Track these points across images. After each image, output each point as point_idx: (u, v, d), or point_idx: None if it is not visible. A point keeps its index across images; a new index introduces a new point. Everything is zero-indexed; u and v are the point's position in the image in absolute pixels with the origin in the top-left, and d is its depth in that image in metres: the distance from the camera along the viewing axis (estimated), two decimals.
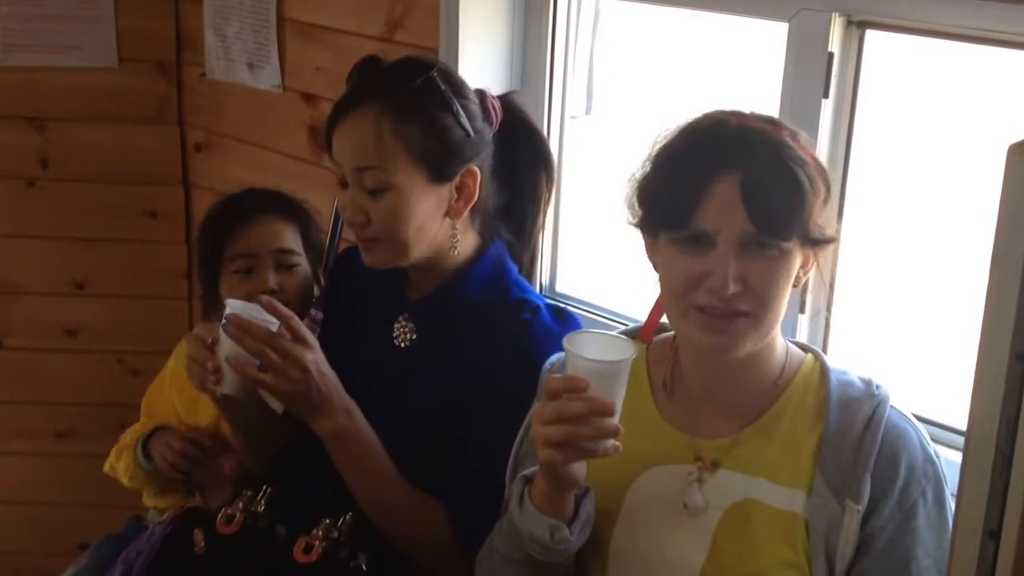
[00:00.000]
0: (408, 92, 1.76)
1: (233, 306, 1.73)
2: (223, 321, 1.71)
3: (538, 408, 1.46)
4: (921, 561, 1.42)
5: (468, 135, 1.78)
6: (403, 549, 1.79)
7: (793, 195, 1.40)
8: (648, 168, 1.49)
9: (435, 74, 1.78)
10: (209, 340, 1.73)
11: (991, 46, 1.69)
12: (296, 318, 1.72)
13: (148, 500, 2.40)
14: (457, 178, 1.79)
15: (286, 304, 2.01)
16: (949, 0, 1.67)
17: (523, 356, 1.75)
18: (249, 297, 2.03)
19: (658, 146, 1.49)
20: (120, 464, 2.30)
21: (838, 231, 1.50)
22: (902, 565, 1.42)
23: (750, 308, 1.42)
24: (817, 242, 1.45)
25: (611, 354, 1.42)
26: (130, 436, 2.30)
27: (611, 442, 1.39)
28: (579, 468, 1.44)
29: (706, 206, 1.40)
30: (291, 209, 2.21)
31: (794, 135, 1.46)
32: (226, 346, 1.71)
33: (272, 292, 2.04)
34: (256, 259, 2.11)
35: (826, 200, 1.46)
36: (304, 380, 1.70)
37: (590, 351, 1.42)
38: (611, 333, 1.56)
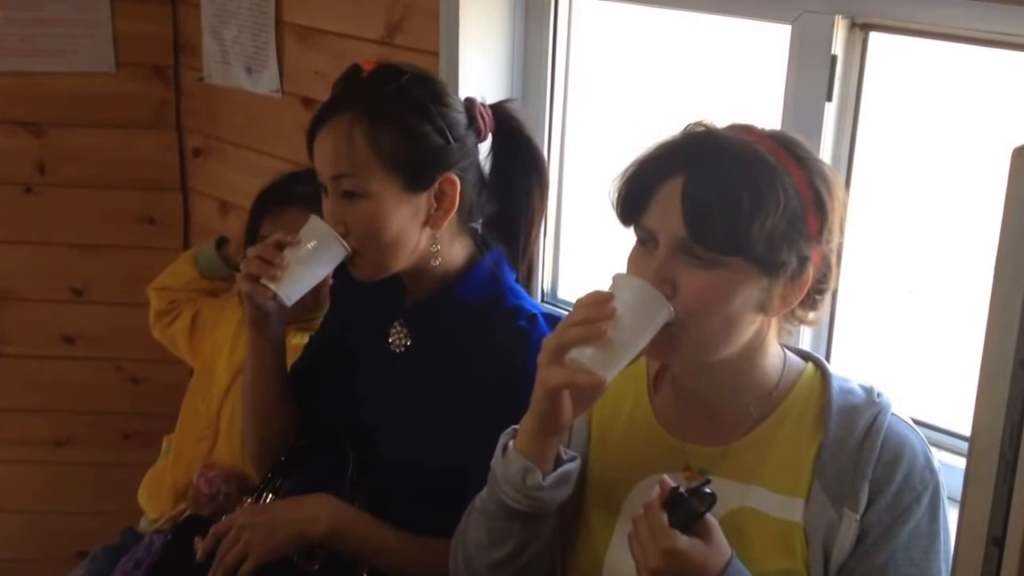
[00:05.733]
0: (381, 99, 1.73)
1: (314, 221, 1.77)
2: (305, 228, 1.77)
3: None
4: (903, 568, 1.40)
5: (447, 142, 1.75)
6: None
7: (731, 208, 1.35)
8: (627, 165, 1.49)
9: (408, 80, 1.75)
10: (287, 239, 1.77)
11: (996, 48, 1.68)
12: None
13: (145, 503, 2.40)
14: (435, 186, 1.76)
15: (318, 294, 2.02)
16: (953, 2, 1.66)
17: (521, 365, 1.72)
18: None
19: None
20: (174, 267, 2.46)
21: (810, 262, 1.41)
22: (880, 569, 1.40)
23: (678, 316, 1.38)
24: (769, 267, 1.39)
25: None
26: None
27: (593, 371, 1.35)
28: (565, 409, 1.43)
29: (652, 206, 1.42)
30: None
31: (791, 156, 1.41)
32: (301, 250, 1.75)
33: None
34: None
35: (817, 232, 1.40)
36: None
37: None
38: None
